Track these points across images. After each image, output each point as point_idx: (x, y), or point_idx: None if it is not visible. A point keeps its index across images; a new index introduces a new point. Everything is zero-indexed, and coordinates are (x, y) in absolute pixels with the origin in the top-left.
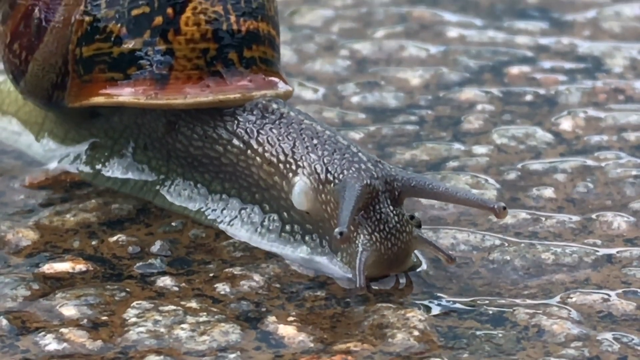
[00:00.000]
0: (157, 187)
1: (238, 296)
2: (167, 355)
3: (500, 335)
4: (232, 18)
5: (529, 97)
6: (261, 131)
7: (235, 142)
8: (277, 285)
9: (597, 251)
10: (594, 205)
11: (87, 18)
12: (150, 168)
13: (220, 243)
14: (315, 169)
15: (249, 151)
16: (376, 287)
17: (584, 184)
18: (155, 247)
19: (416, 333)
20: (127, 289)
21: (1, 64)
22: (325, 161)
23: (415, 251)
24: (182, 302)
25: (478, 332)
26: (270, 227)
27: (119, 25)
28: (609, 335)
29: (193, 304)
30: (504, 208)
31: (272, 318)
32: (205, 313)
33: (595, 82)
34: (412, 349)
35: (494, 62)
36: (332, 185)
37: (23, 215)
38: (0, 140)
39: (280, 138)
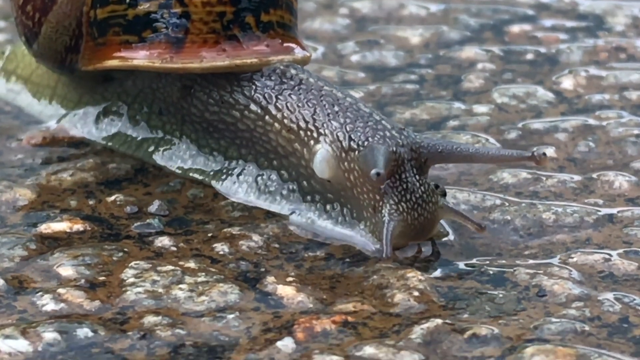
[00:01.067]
0: (172, 152)
1: (237, 256)
2: (166, 315)
3: (500, 295)
4: None
5: (529, 56)
6: (280, 97)
7: (253, 107)
8: (276, 246)
9: (599, 211)
10: (595, 164)
11: None
12: (164, 132)
13: (219, 203)
14: (337, 136)
15: (267, 117)
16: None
17: (585, 143)
18: (154, 207)
19: (416, 293)
20: (125, 249)
21: (14, 26)
22: (348, 129)
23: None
24: (181, 262)
25: (478, 293)
26: (291, 197)
27: None
28: (610, 296)
29: (191, 264)
30: (544, 154)
31: (271, 278)
32: (203, 273)
33: (597, 41)
34: (411, 310)
35: (495, 21)
36: (356, 152)
37: (20, 174)
38: (10, 103)
39: (300, 104)
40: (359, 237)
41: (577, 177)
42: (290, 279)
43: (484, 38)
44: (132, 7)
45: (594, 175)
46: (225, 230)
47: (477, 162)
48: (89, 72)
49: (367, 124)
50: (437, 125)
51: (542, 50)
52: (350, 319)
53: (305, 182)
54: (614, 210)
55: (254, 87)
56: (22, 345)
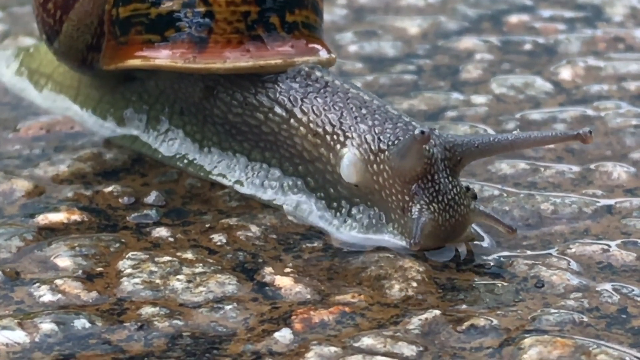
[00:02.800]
0: (193, 154)
1: (234, 247)
2: (163, 306)
3: (499, 286)
4: None
5: (528, 46)
6: (305, 100)
7: (277, 110)
8: (274, 236)
9: (597, 202)
10: (594, 155)
11: None
12: (185, 133)
13: (216, 193)
14: (365, 139)
15: (292, 120)
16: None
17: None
18: (151, 197)
19: (414, 284)
20: (123, 240)
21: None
22: (377, 131)
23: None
24: (178, 253)
25: (476, 284)
26: (317, 205)
27: None
28: (608, 286)
29: (189, 255)
30: (590, 132)
31: (268, 269)
32: (201, 264)
33: (595, 31)
34: (409, 301)
35: (493, 11)
36: (385, 153)
37: (17, 165)
38: (32, 101)
39: (326, 107)
40: (387, 238)
41: (575, 168)
42: (288, 269)
43: (482, 28)
44: (155, 6)
45: (592, 166)
46: (222, 221)
47: (517, 149)
48: (110, 71)
49: (397, 125)
50: (435, 116)
51: (541, 40)
52: (348, 309)
53: (331, 189)
54: (612, 201)
55: (278, 89)
56: (19, 336)
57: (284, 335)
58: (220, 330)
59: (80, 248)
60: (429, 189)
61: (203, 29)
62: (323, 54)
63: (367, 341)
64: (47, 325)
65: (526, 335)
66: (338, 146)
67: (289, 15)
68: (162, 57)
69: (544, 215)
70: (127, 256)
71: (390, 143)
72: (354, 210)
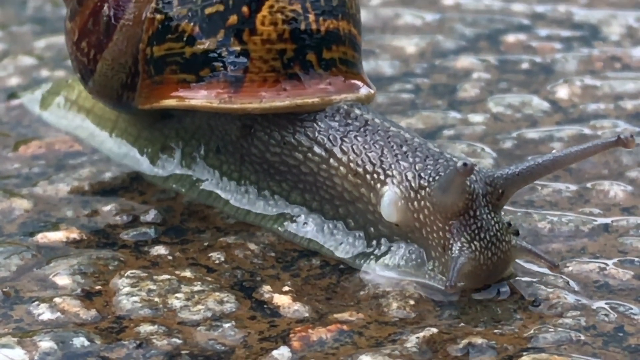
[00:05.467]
0: (229, 194)
1: (233, 265)
2: (162, 324)
3: (496, 304)
4: (311, 17)
5: (525, 65)
6: (345, 139)
7: (317, 149)
8: (272, 254)
9: (594, 220)
10: (591, 174)
11: (158, 16)
12: (222, 172)
13: (214, 210)
14: (406, 176)
15: (331, 160)
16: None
17: None
18: (149, 215)
19: (412, 302)
20: (121, 258)
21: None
22: (418, 168)
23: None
24: (177, 272)
25: (473, 302)
26: (356, 244)
27: (191, 24)
28: (605, 305)
29: (187, 273)
30: (632, 136)
31: (267, 287)
32: (199, 282)
33: (592, 50)
34: (407, 319)
35: (490, 30)
36: (426, 189)
37: (16, 184)
38: (79, 138)
39: (366, 146)
40: (426, 279)
41: (572, 187)
42: (286, 288)
43: (479, 47)
44: (190, 45)
45: (589, 185)
46: (221, 239)
47: (561, 167)
48: (145, 110)
49: (438, 161)
50: (433, 135)
51: (538, 59)
52: (346, 327)
53: (372, 228)
54: (609, 220)
55: (317, 127)
56: (18, 354)
57: (282, 354)
58: (218, 349)
59: (79, 266)
60: (471, 226)
61: (238, 68)
62: (362, 91)
63: (365, 359)
64: (46, 344)
65: (523, 354)
66: (378, 185)
67: (326, 52)
68: (198, 97)
69: (541, 233)
70: (125, 274)
71: (431, 179)
72: (393, 248)
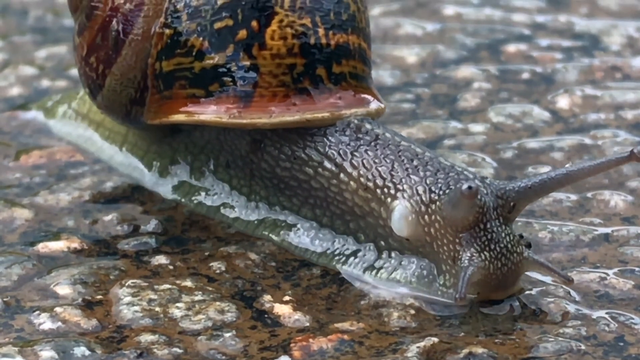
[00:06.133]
0: (239, 209)
1: (233, 275)
2: (162, 334)
3: (496, 314)
4: (321, 31)
5: (525, 75)
6: (355, 153)
7: (327, 164)
8: (273, 264)
9: (595, 230)
10: (591, 183)
11: (167, 31)
12: (231, 187)
13: (215, 220)
14: (416, 190)
15: (342, 175)
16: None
17: None
18: (150, 225)
19: (412, 312)
20: (122, 268)
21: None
22: (429, 182)
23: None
24: (177, 281)
25: (474, 312)
26: (365, 256)
27: (200, 38)
28: (605, 314)
29: (188, 283)
30: None
31: (267, 297)
32: (200, 292)
33: (593, 60)
34: (408, 328)
35: (491, 40)
36: (437, 203)
37: (17, 193)
38: (86, 149)
39: (376, 161)
40: (437, 294)
41: (573, 196)
42: (287, 297)
43: (480, 57)
44: (199, 60)
45: (590, 195)
46: (222, 249)
47: (573, 182)
48: (154, 125)
49: (449, 175)
50: (434, 145)
51: (538, 69)
52: (347, 337)
53: (382, 242)
54: (609, 229)
55: (327, 142)
56: None
57: None
58: (219, 358)
59: (80, 276)
60: (481, 237)
61: (248, 82)
62: (372, 105)
63: None
64: (47, 353)
65: None
66: (389, 199)
67: (335, 66)
68: (207, 112)
69: (541, 243)
70: (126, 284)
71: (441, 193)
72: (404, 262)
